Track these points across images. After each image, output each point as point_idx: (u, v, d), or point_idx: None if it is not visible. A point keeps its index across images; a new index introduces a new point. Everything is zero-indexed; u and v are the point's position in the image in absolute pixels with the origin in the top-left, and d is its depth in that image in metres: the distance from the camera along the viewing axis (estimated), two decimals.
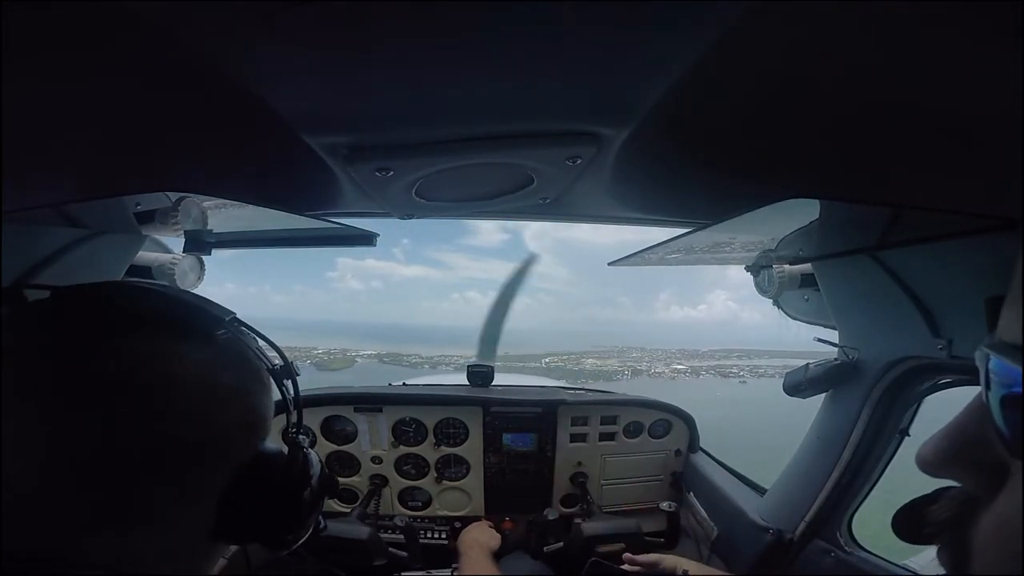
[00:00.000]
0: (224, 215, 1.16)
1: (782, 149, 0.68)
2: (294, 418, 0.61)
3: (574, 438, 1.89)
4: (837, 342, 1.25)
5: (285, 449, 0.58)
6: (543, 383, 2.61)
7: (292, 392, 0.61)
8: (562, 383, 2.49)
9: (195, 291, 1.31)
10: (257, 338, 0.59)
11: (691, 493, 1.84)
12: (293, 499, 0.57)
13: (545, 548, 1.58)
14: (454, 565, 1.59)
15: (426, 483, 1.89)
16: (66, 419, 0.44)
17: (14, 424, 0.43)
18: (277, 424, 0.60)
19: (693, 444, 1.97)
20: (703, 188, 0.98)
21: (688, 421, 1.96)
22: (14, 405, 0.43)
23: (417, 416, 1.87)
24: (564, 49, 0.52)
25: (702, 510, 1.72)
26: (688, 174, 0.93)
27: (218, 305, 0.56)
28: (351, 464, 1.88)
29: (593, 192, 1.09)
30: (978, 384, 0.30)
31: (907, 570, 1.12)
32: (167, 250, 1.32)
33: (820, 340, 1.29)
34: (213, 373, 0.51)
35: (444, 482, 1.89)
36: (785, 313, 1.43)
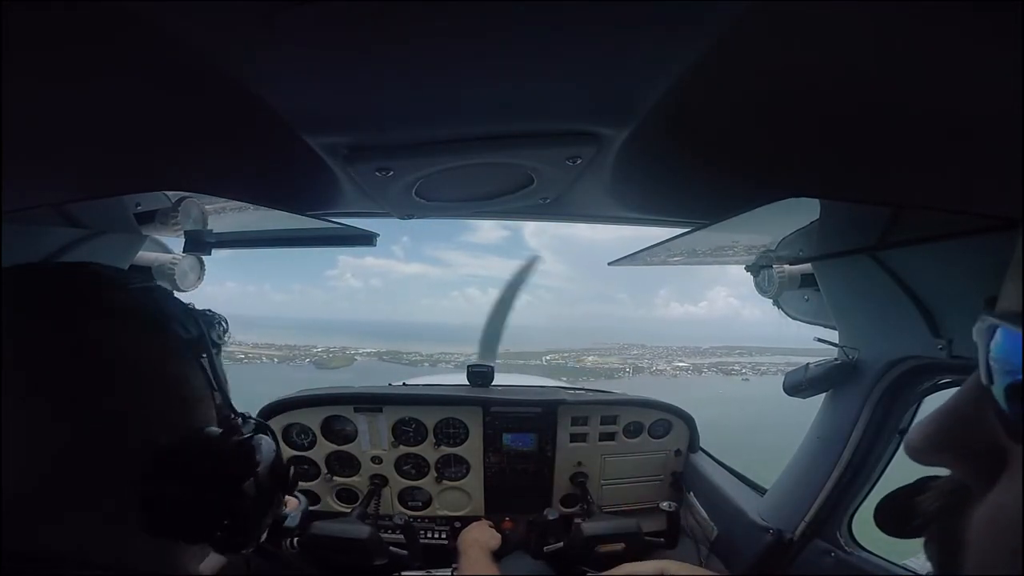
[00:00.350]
0: (224, 215, 1.16)
1: (782, 149, 0.68)
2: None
3: (574, 438, 1.89)
4: (837, 342, 1.25)
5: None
6: (543, 383, 2.61)
7: (210, 368, 0.55)
8: (563, 382, 2.49)
9: (194, 291, 1.32)
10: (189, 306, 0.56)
11: (691, 493, 1.84)
12: (226, 490, 0.50)
13: (545, 548, 1.58)
14: (454, 565, 1.59)
15: (426, 483, 1.89)
16: None
17: None
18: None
19: (693, 444, 1.97)
20: (703, 188, 0.98)
21: (688, 421, 1.96)
22: None
23: (417, 416, 1.87)
24: (564, 49, 0.52)
25: (702, 510, 1.72)
26: (688, 174, 0.93)
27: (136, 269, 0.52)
28: (351, 464, 1.88)
29: (593, 192, 1.09)
30: None
31: (907, 570, 1.12)
32: (167, 250, 1.32)
33: (820, 340, 1.29)
34: (121, 343, 0.49)
35: (444, 482, 1.89)
36: (785, 313, 1.43)
